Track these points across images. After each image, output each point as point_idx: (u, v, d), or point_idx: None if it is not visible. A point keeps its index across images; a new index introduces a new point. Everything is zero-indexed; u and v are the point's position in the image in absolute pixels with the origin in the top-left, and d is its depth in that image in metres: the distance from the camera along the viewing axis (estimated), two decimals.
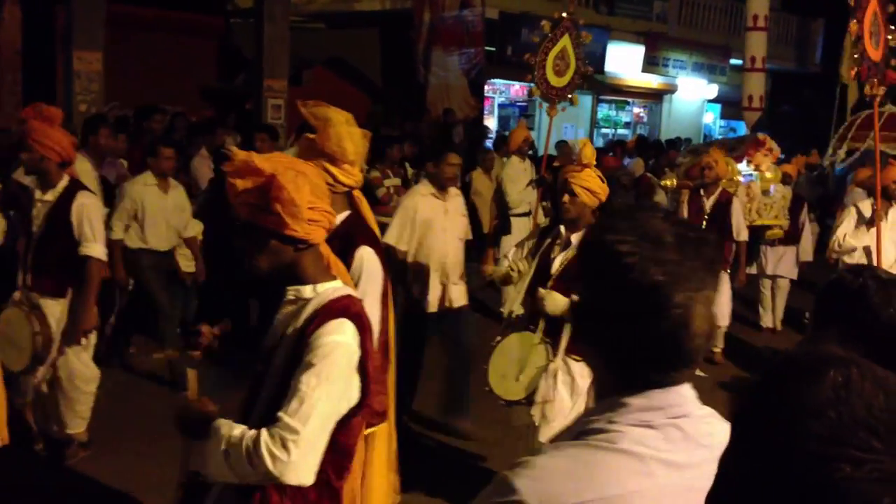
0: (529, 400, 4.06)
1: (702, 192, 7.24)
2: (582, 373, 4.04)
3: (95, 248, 4.69)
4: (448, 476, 4.97)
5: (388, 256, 4.13)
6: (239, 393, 2.33)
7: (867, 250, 6.42)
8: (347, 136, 3.00)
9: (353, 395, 2.15)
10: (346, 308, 2.17)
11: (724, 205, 7.18)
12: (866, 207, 6.55)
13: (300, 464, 2.01)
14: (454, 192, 5.65)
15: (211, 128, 8.75)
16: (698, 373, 7.27)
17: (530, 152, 9.96)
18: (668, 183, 9.01)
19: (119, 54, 11.75)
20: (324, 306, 2.15)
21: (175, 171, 6.81)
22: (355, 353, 2.13)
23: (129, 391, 6.17)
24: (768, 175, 8.53)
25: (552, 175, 8.28)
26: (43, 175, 4.62)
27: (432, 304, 5.41)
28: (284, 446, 1.99)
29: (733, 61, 20.43)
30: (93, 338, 4.93)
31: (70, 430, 4.91)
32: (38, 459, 4.97)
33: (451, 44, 14.84)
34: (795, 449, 0.82)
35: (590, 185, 4.13)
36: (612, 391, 1.26)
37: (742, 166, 8.91)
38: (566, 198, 4.12)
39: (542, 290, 4.06)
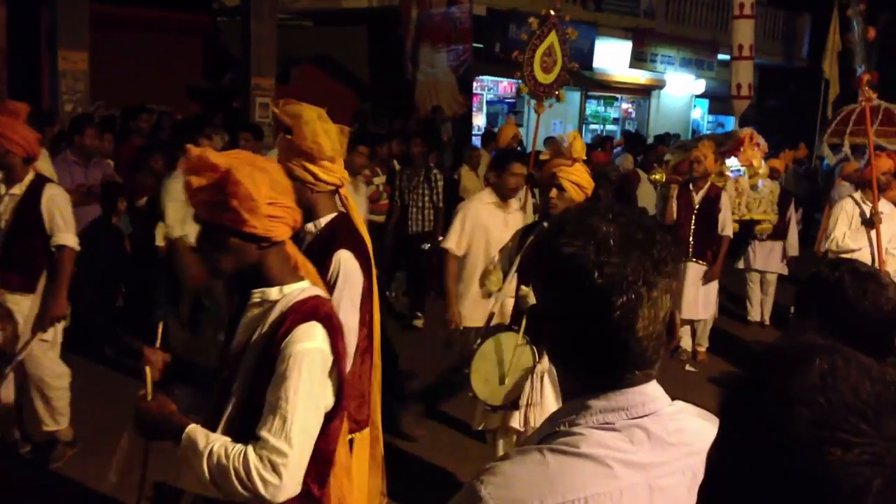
0: (515, 404, 3.93)
1: (691, 186, 7.25)
2: None
3: (68, 238, 4.70)
4: (437, 481, 4.95)
5: (436, 262, 4.04)
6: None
7: (870, 247, 6.41)
8: (322, 132, 2.89)
9: (329, 401, 2.11)
10: (315, 310, 2.09)
11: (712, 199, 7.20)
12: (857, 204, 6.54)
13: (290, 484, 1.98)
14: (515, 206, 5.49)
15: (198, 126, 8.69)
16: (687, 368, 7.32)
17: (519, 149, 9.96)
18: (658, 178, 9.03)
19: (105, 54, 11.68)
20: (291, 308, 2.08)
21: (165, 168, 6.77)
22: (328, 358, 2.07)
23: (119, 390, 6.13)
24: (758, 170, 8.56)
25: (539, 171, 8.27)
26: (8, 170, 4.62)
27: (467, 317, 5.25)
28: (275, 470, 1.95)
29: (721, 56, 20.48)
30: (59, 335, 4.90)
31: (51, 427, 4.89)
32: (25, 462, 4.93)
33: (439, 41, 14.83)
34: (785, 435, 0.83)
35: (578, 180, 4.06)
36: (575, 392, 1.28)
37: (730, 161, 8.94)
38: (554, 192, 4.04)
39: (523, 289, 4.00)
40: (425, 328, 7.92)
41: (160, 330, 2.42)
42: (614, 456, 1.20)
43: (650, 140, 15.78)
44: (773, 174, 8.75)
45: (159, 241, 6.88)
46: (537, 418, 3.89)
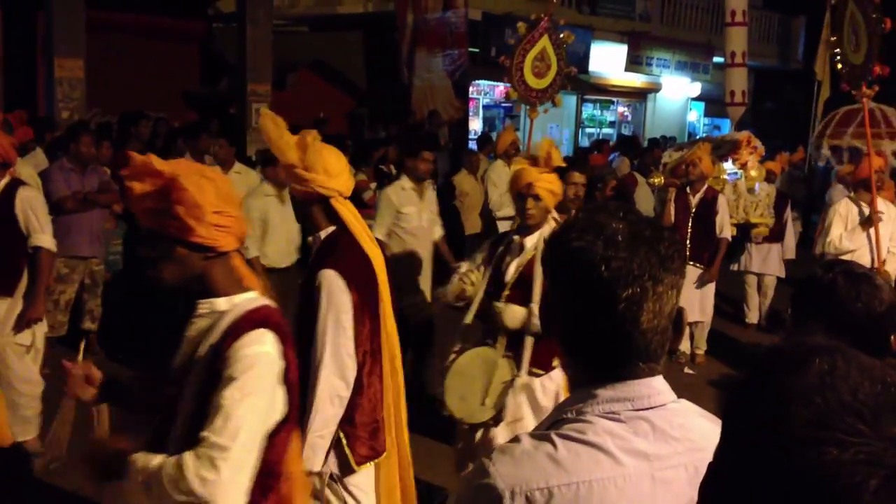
0: (496, 420, 3.81)
1: (688, 189, 7.25)
2: (546, 389, 3.89)
3: (45, 239, 4.68)
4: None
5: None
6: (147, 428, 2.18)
7: (869, 247, 6.40)
8: (280, 138, 2.92)
9: (278, 408, 2.04)
10: (266, 318, 2.05)
11: (710, 202, 7.19)
12: (851, 205, 6.55)
13: (230, 484, 1.89)
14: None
15: (195, 133, 8.70)
16: (686, 370, 7.32)
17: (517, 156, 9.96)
18: (656, 181, 9.03)
19: (100, 60, 11.69)
20: (241, 318, 2.02)
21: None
22: (278, 364, 2.02)
23: None
24: (753, 173, 8.57)
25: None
26: None
27: None
28: (213, 465, 1.86)
29: (716, 59, 20.51)
30: (39, 340, 4.83)
31: (20, 437, 4.75)
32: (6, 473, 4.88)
33: (435, 45, 14.85)
34: (783, 434, 0.83)
35: (554, 188, 3.97)
36: (582, 383, 1.32)
37: (727, 165, 8.94)
38: (530, 203, 3.91)
39: (498, 305, 3.88)
40: None
41: (82, 345, 2.37)
42: (619, 444, 1.24)
43: (645, 143, 15.80)
44: (769, 177, 8.76)
45: None
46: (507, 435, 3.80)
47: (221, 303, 2.08)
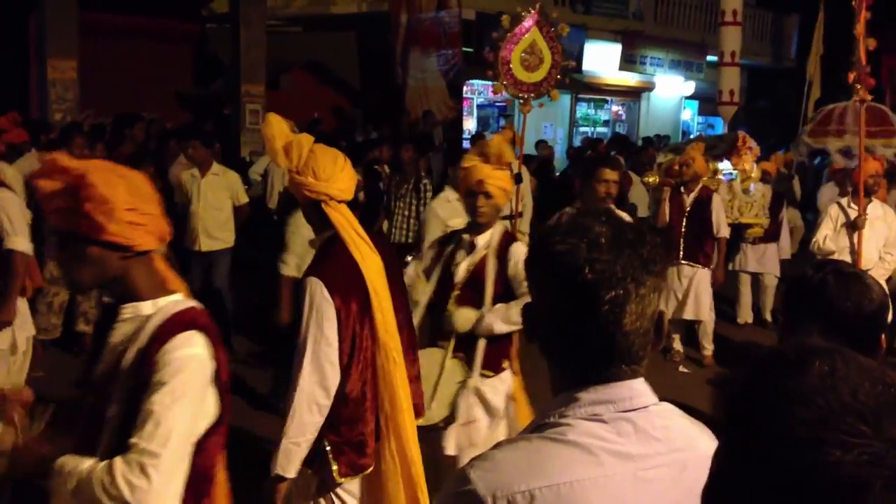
0: (447, 421, 3.72)
1: (682, 189, 7.24)
2: (496, 390, 3.83)
3: (18, 242, 4.61)
4: None
5: None
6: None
7: (851, 249, 6.42)
8: (277, 139, 2.94)
9: (209, 412, 1.98)
10: (194, 319, 1.98)
11: (704, 201, 7.17)
12: (841, 208, 6.56)
13: (162, 491, 1.84)
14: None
15: (188, 134, 8.69)
16: (682, 369, 7.32)
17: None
18: (651, 180, 9.03)
19: (94, 62, 11.67)
20: (168, 320, 1.95)
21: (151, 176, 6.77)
22: (209, 366, 1.96)
23: None
24: (750, 174, 8.58)
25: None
26: None
27: None
28: (144, 472, 1.81)
29: (710, 58, 20.54)
30: (23, 344, 4.77)
31: None
32: None
33: (429, 45, 14.86)
34: (784, 436, 0.83)
35: (505, 185, 3.88)
36: (564, 386, 1.32)
37: (722, 165, 8.95)
38: (481, 200, 3.80)
39: (449, 309, 3.82)
40: None
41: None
42: (601, 445, 1.24)
43: (639, 142, 15.82)
44: (764, 177, 8.77)
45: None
46: (473, 437, 3.76)
47: (146, 306, 2.00)
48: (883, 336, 2.03)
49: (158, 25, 14.12)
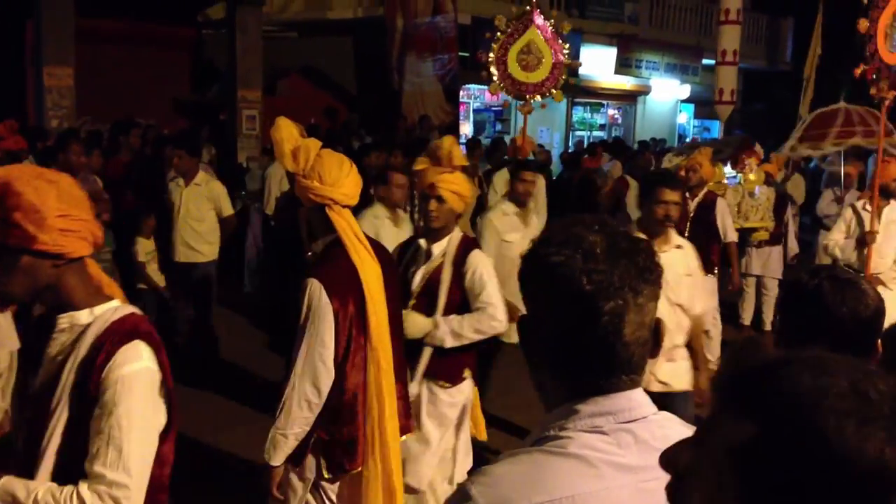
0: None
1: (687, 194, 7.01)
2: (450, 401, 3.76)
3: None
4: None
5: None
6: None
7: (860, 256, 6.33)
8: (286, 143, 2.99)
9: (161, 422, 1.96)
10: (136, 328, 1.93)
11: (707, 206, 7.04)
12: (855, 213, 6.46)
13: None
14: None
15: (185, 140, 8.69)
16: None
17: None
18: None
19: (90, 68, 11.67)
20: (108, 330, 1.89)
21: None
22: (157, 376, 1.92)
23: None
24: (752, 177, 8.57)
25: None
26: None
27: None
28: None
29: (705, 61, 20.60)
30: (4, 364, 4.72)
31: None
32: None
33: (425, 50, 14.87)
34: (866, 478, 0.76)
35: (459, 189, 3.74)
36: (562, 399, 1.31)
37: (727, 169, 8.93)
38: (433, 204, 3.70)
39: (402, 313, 3.70)
40: None
41: None
42: (601, 458, 1.23)
43: (635, 146, 15.84)
44: (767, 179, 8.76)
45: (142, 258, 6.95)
46: (418, 448, 3.71)
47: (82, 315, 1.93)
48: (879, 341, 2.05)
49: (155, 32, 14.13)
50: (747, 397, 0.85)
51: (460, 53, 15.24)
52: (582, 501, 1.21)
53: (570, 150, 15.45)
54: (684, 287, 4.03)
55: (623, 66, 19.91)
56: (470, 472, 3.64)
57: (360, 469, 3.07)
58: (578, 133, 20.55)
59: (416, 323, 3.66)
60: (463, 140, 14.60)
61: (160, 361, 1.95)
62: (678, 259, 4.06)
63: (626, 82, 20.64)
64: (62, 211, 1.87)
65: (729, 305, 9.23)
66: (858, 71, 5.62)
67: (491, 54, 7.17)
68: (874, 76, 5.53)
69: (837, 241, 6.48)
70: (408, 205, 5.54)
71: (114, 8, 12.51)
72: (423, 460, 3.71)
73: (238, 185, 10.21)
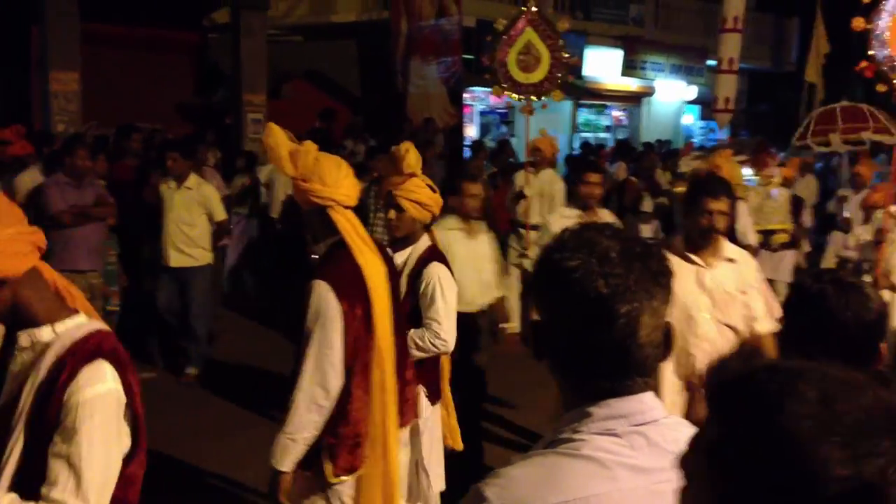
0: None
1: None
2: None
3: None
4: None
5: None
6: None
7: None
8: (278, 148, 2.98)
9: (125, 445, 1.89)
10: (99, 346, 1.84)
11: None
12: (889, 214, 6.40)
13: None
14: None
15: (191, 143, 8.72)
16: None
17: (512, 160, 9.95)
18: (680, 190, 8.93)
19: (96, 73, 11.71)
20: (70, 350, 1.81)
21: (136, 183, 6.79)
22: (122, 398, 1.84)
23: None
24: (771, 178, 8.54)
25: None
26: None
27: None
28: None
29: (710, 62, 20.57)
30: None
31: None
32: None
33: (429, 53, 14.88)
34: (820, 482, 0.78)
35: (419, 198, 3.58)
36: (575, 403, 1.33)
37: (744, 171, 8.88)
38: (392, 214, 3.59)
39: None
40: None
41: None
42: (615, 459, 1.25)
43: (640, 148, 15.81)
44: (785, 182, 8.73)
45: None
46: None
47: (44, 333, 1.84)
48: (882, 345, 2.04)
49: (160, 36, 14.17)
50: (722, 401, 0.89)
51: (465, 56, 15.25)
52: (595, 502, 1.23)
53: (575, 155, 15.43)
54: (737, 306, 3.61)
55: (628, 68, 19.90)
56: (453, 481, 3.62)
57: (361, 470, 3.08)
58: (584, 135, 20.54)
59: None
60: (468, 143, 14.62)
61: (126, 381, 1.86)
62: (728, 274, 3.67)
63: (631, 84, 20.63)
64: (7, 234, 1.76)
65: None
66: (862, 66, 5.62)
67: (493, 57, 7.18)
68: (875, 74, 5.52)
69: (858, 237, 6.46)
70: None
71: (119, 13, 12.56)
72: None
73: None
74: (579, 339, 1.30)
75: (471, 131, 17.64)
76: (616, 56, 19.56)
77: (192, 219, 6.91)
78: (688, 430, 1.32)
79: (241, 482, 5.03)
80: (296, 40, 16.00)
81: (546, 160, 8.15)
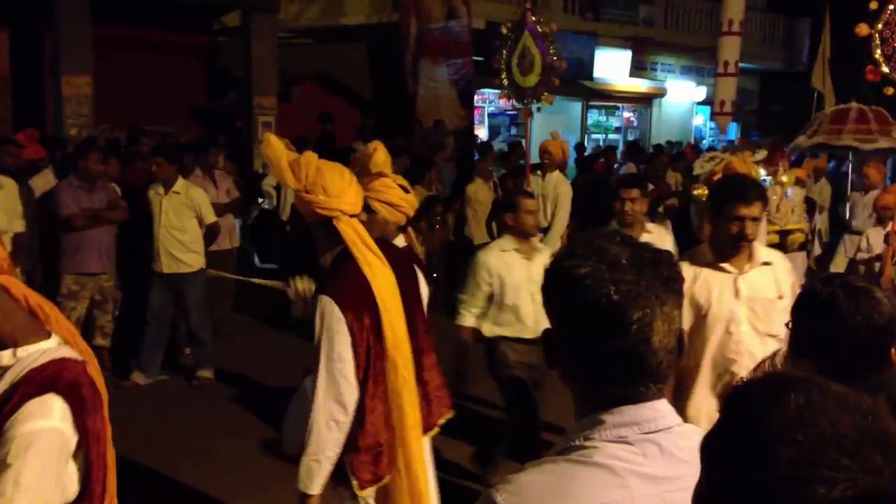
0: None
1: None
2: None
3: None
4: None
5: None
6: None
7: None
8: (276, 159, 2.94)
9: (69, 489, 1.72)
10: (55, 379, 1.67)
11: None
12: None
13: None
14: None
15: (203, 147, 8.76)
16: None
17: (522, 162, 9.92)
18: (700, 193, 8.86)
19: (107, 76, 11.77)
20: (23, 378, 1.66)
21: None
22: (68, 439, 1.68)
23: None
24: (784, 178, 8.50)
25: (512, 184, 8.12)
26: None
27: None
28: None
29: None
30: None
31: None
32: None
33: (439, 55, 14.90)
34: (767, 475, 0.82)
35: (389, 198, 3.37)
36: (588, 410, 1.33)
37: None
38: (363, 216, 3.32)
39: None
40: None
41: None
42: (627, 467, 1.24)
43: (650, 149, 15.79)
44: (798, 183, 8.68)
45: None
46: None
47: (5, 356, 1.70)
48: (894, 350, 2.03)
49: (171, 40, 14.21)
50: (724, 404, 0.96)
51: (474, 58, 15.26)
52: None
53: (588, 156, 15.41)
54: (776, 313, 3.34)
55: (638, 69, 19.88)
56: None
57: (388, 478, 3.04)
58: (594, 136, 20.52)
59: None
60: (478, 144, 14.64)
61: (81, 422, 1.70)
62: (765, 280, 3.46)
63: (641, 85, 20.60)
64: None
65: None
66: (868, 70, 5.65)
67: (499, 60, 7.23)
68: (881, 79, 5.54)
69: (869, 235, 6.45)
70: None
71: (130, 17, 12.61)
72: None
73: (254, 192, 10.27)
74: (591, 347, 1.30)
75: (481, 133, 17.65)
76: (625, 57, 19.53)
77: (182, 224, 6.78)
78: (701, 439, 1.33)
79: (255, 482, 5.05)
80: (306, 43, 16.04)
81: (555, 163, 8.12)
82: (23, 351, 1.71)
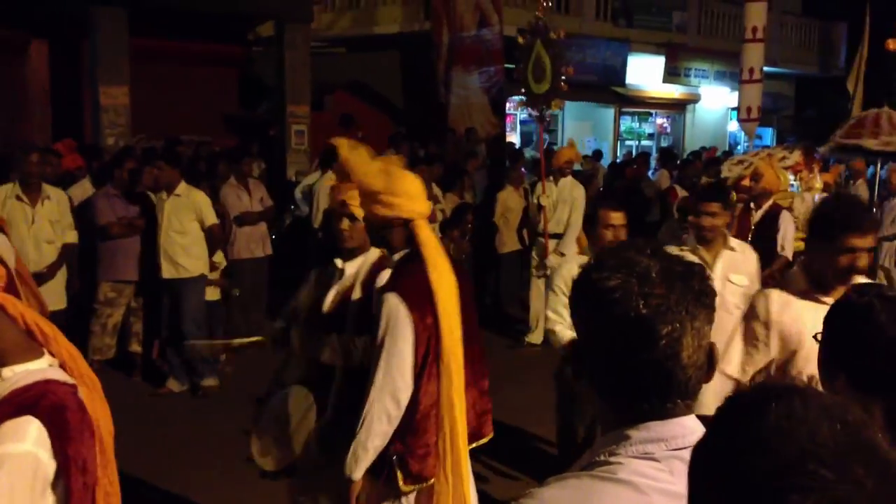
0: (289, 471, 3.40)
1: (752, 204, 6.65)
2: None
3: None
4: None
5: None
6: None
7: None
8: (355, 164, 3.05)
9: None
10: (37, 401, 1.59)
11: (772, 218, 6.53)
12: None
13: None
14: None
15: (238, 156, 8.86)
16: None
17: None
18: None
19: (144, 86, 11.94)
20: (7, 397, 1.60)
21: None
22: (41, 466, 1.58)
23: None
24: (814, 184, 8.41)
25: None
26: None
27: None
28: None
29: None
30: None
31: None
32: None
33: (471, 63, 14.90)
34: (743, 487, 0.82)
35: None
36: (614, 425, 1.30)
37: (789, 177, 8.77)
38: (345, 223, 3.37)
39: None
40: None
41: None
42: (651, 485, 1.22)
43: (684, 155, 15.65)
44: (825, 188, 8.58)
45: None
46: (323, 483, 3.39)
47: None
48: None
49: (206, 50, 14.38)
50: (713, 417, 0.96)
51: (506, 66, 15.25)
52: None
53: (619, 162, 15.34)
54: None
55: (671, 75, 19.73)
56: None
57: (433, 481, 3.07)
58: (627, 143, 20.39)
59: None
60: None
61: (61, 448, 1.60)
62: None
63: (674, 91, 20.46)
64: None
65: None
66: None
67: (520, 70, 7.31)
68: None
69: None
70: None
71: (166, 28, 12.78)
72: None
73: (287, 199, 10.34)
74: (619, 361, 1.28)
75: (513, 140, 17.63)
76: (659, 63, 19.41)
77: (182, 226, 6.70)
78: None
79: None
80: (339, 52, 16.15)
81: (563, 169, 8.43)
82: (9, 371, 1.65)
